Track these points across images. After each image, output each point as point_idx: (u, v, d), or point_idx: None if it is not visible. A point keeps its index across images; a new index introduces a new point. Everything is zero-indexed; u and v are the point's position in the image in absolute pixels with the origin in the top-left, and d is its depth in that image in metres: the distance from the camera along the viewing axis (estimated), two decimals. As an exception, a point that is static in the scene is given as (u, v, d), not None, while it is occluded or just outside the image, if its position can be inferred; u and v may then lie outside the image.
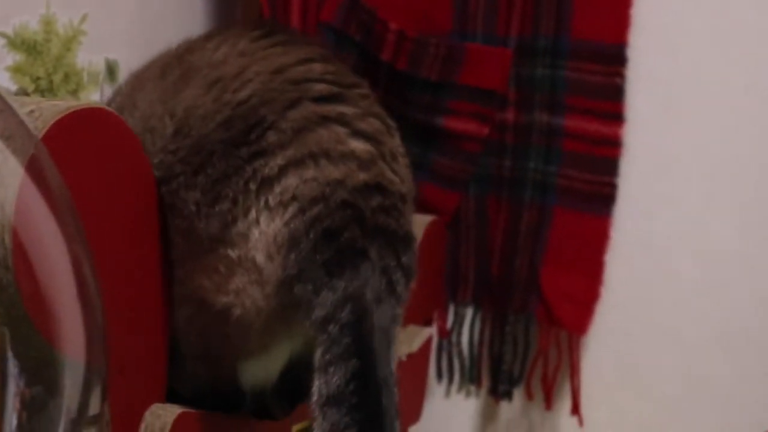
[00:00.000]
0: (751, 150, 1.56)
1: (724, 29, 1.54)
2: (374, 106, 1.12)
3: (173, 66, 1.14)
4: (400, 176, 1.08)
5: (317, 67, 1.11)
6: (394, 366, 1.00)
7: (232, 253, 1.01)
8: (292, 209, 1.00)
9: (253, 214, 1.01)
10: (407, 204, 1.09)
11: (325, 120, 1.04)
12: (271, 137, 1.02)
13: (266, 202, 1.00)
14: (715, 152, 1.57)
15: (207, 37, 1.19)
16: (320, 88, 1.07)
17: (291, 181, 1.01)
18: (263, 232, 1.00)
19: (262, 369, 1.13)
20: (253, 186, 1.01)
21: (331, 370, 0.96)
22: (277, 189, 1.01)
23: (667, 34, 1.57)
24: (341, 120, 1.05)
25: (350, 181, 1.02)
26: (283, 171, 1.01)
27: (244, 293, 1.02)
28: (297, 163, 1.01)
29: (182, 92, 1.08)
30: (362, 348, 0.97)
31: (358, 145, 1.04)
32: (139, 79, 1.19)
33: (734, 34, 1.54)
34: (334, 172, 1.01)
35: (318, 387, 0.96)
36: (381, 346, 0.98)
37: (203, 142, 1.03)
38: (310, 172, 1.01)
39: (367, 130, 1.06)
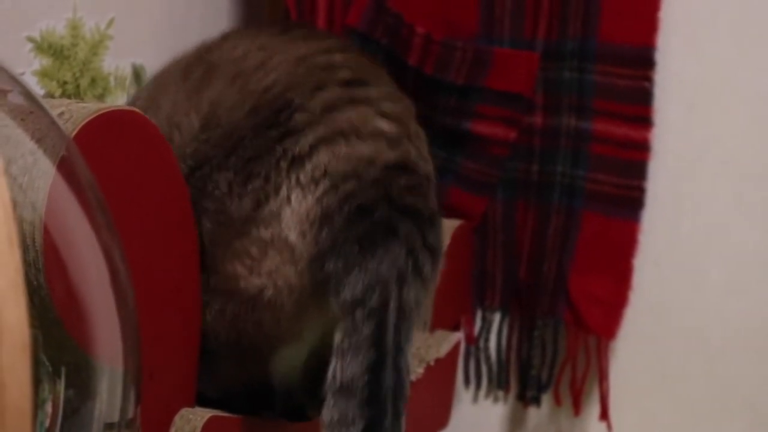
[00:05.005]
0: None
1: (750, 31, 1.53)
2: (395, 90, 1.15)
3: (194, 67, 1.17)
4: (424, 157, 1.11)
5: (338, 57, 1.14)
6: (410, 352, 1.00)
7: (265, 233, 1.03)
8: (323, 185, 1.02)
9: (284, 191, 1.02)
10: (431, 184, 1.10)
11: (353, 101, 1.07)
12: (300, 117, 1.04)
13: (297, 179, 1.02)
14: (742, 155, 1.56)
15: (224, 38, 1.22)
16: (344, 73, 1.10)
17: (323, 157, 1.03)
18: (295, 211, 1.02)
19: (292, 356, 1.13)
20: (284, 164, 1.03)
21: (349, 357, 0.97)
22: (308, 166, 1.02)
23: (693, 36, 1.56)
24: (367, 101, 1.08)
25: (380, 160, 1.04)
26: (314, 148, 1.03)
27: (277, 273, 1.03)
28: (328, 141, 1.03)
29: (206, 90, 1.11)
30: (382, 339, 0.98)
31: (385, 125, 1.07)
32: (159, 83, 1.21)
33: (760, 36, 1.53)
34: (365, 149, 1.04)
35: (333, 370, 0.97)
36: (402, 334, 0.99)
37: (233, 129, 1.06)
38: (342, 149, 1.03)
39: (393, 111, 1.09)
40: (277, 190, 1.02)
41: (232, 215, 1.04)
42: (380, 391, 0.96)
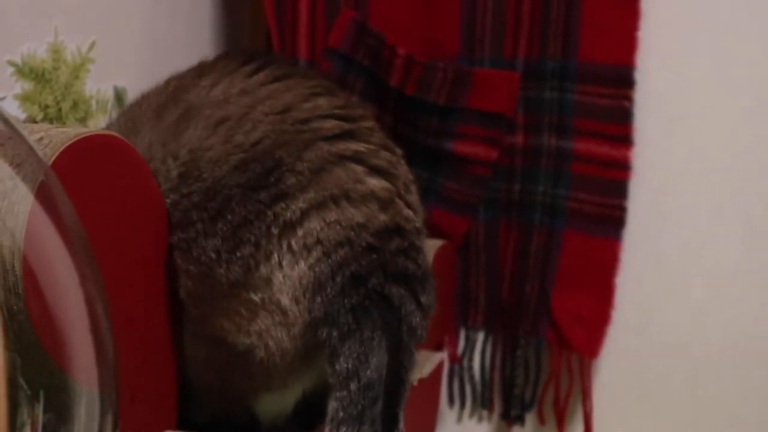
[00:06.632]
0: (758, 167, 1.56)
1: (728, 49, 1.54)
2: (382, 138, 1.12)
3: (169, 107, 1.13)
4: (415, 209, 1.09)
5: (323, 102, 1.11)
6: (402, 419, 1.00)
7: (255, 297, 1.01)
8: (316, 253, 1.00)
9: (275, 258, 1.00)
10: (422, 237, 1.09)
11: (341, 159, 1.05)
12: (290, 179, 1.02)
13: (289, 246, 1.00)
14: (722, 171, 1.57)
15: (198, 74, 1.17)
16: (331, 125, 1.07)
17: (314, 224, 1.01)
18: (287, 276, 1.00)
19: (278, 401, 1.12)
20: (275, 230, 1.01)
21: (344, 429, 0.96)
22: (300, 232, 1.01)
23: (672, 55, 1.57)
24: (356, 158, 1.05)
25: (372, 224, 1.02)
26: (305, 214, 1.01)
27: (268, 334, 1.02)
28: (319, 206, 1.01)
29: (184, 134, 1.08)
30: (377, 412, 0.97)
31: (375, 183, 1.05)
32: (131, 121, 1.17)
33: (739, 53, 1.54)
34: (356, 214, 1.02)
35: None
36: (397, 401, 0.99)
37: (218, 187, 1.02)
38: (332, 215, 1.01)
39: (382, 165, 1.07)
40: (268, 257, 1.00)
41: (220, 280, 1.01)
42: None
